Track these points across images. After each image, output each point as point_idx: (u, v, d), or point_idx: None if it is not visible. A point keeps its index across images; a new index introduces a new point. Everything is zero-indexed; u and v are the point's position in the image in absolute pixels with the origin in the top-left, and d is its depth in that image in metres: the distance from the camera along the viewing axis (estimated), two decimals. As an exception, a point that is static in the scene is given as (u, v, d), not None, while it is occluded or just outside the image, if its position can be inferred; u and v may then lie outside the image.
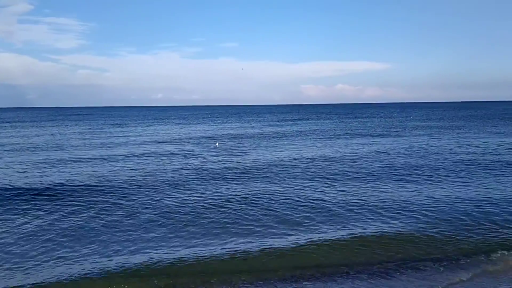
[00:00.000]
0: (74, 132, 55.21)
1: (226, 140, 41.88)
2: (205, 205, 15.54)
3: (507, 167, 22.67)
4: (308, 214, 14.29)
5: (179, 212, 14.75)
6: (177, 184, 19.25)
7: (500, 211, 14.34)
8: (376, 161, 25.51)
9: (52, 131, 57.72)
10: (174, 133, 52.32)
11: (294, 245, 11.40)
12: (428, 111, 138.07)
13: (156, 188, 18.33)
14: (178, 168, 23.62)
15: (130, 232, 12.68)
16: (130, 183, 19.38)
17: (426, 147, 32.50)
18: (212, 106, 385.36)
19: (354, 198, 16.32)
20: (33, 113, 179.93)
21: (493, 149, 30.18)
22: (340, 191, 17.58)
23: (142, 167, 24.04)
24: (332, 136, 44.90)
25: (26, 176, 21.35)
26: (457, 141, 36.62)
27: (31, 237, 12.31)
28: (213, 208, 15.08)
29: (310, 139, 42.36)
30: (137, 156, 29.05)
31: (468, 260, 10.60)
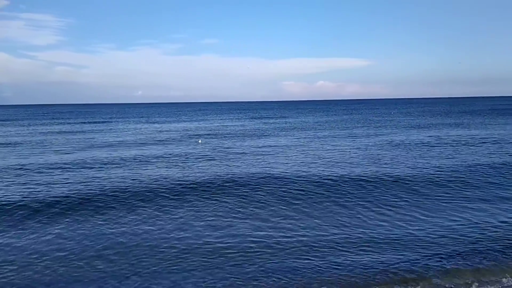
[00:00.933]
0: (52, 132, 54.15)
1: (208, 137, 41.75)
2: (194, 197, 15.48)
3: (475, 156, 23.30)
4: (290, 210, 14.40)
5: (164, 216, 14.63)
6: (164, 183, 19.09)
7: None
8: (359, 156, 25.88)
9: (28, 130, 56.49)
10: (156, 130, 51.82)
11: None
12: (409, 107, 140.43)
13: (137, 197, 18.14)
14: (163, 166, 23.43)
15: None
16: (110, 188, 19.13)
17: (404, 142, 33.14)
18: (194, 103, 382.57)
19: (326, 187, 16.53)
20: (8, 111, 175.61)
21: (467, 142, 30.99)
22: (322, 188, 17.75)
23: (123, 169, 23.74)
24: (314, 132, 45.23)
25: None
26: (437, 135, 37.45)
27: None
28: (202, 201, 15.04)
29: (291, 135, 42.58)
30: (119, 156, 28.68)
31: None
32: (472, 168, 21.17)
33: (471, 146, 30.19)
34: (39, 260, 10.59)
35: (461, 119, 63.59)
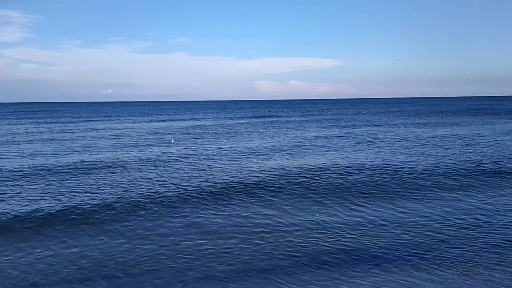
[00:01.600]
0: (17, 133, 52.58)
1: (181, 136, 41.59)
2: (169, 197, 15.52)
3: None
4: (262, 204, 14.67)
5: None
6: (140, 183, 19.01)
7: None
8: (330, 152, 26.46)
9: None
10: (127, 130, 51.14)
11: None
12: (377, 107, 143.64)
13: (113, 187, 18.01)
14: (138, 166, 23.27)
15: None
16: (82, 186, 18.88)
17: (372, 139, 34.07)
18: (164, 102, 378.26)
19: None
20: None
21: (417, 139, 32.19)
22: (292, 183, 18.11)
23: (97, 169, 23.46)
24: (285, 130, 45.73)
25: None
26: (404, 133, 38.66)
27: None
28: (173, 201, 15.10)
29: (263, 133, 42.91)
30: (91, 155, 28.27)
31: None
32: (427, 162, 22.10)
33: (435, 144, 31.37)
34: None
35: (428, 119, 65.76)
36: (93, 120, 76.50)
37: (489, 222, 13.06)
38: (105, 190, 17.25)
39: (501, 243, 11.33)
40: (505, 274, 9.53)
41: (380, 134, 40.30)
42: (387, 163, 23.06)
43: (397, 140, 35.08)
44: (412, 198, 15.98)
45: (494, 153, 26.40)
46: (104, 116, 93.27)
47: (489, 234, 12.01)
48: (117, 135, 43.28)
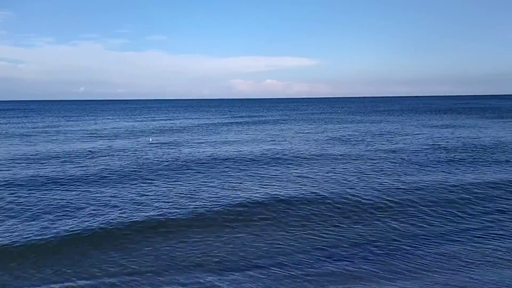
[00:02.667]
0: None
1: (159, 135, 41.26)
2: (147, 199, 15.45)
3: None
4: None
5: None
6: (118, 181, 18.83)
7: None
8: (307, 147, 26.83)
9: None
10: (103, 129, 50.35)
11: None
12: (352, 105, 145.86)
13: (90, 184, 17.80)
14: (116, 166, 23.01)
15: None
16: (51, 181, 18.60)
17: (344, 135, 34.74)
18: (140, 100, 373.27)
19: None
20: None
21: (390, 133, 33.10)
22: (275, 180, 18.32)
23: (69, 167, 23.09)
24: (263, 128, 45.99)
25: None
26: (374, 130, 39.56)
27: None
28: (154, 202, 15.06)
29: (240, 131, 43.04)
30: (64, 154, 27.76)
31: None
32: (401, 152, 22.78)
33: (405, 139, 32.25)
34: None
35: (399, 117, 67.31)
36: (65, 119, 74.88)
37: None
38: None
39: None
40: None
41: (349, 130, 41.05)
42: (348, 153, 23.60)
43: (362, 134, 35.88)
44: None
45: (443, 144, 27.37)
46: (77, 115, 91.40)
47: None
48: (91, 135, 42.58)
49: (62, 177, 19.73)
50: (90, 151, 28.79)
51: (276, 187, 17.36)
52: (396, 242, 11.39)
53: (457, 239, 11.63)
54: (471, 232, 12.17)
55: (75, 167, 22.54)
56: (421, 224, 12.82)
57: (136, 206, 14.72)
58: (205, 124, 58.53)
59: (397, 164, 22.45)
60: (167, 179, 19.09)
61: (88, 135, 41.39)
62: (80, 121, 67.27)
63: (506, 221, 13.10)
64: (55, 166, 22.76)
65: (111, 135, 41.61)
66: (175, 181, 18.77)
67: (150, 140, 35.39)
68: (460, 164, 22.38)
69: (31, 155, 27.19)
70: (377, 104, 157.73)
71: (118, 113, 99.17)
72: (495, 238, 11.67)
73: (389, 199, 15.34)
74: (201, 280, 9.34)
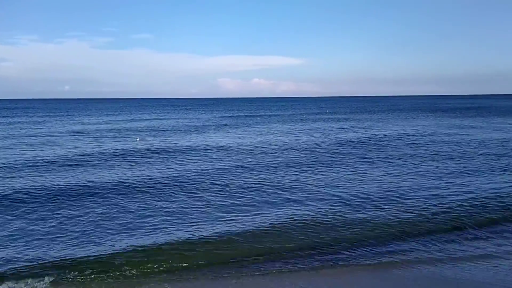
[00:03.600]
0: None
1: (146, 134, 40.88)
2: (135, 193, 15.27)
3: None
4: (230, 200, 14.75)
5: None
6: (110, 186, 18.58)
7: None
8: (296, 150, 26.87)
9: None
10: (89, 128, 49.70)
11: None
12: (339, 104, 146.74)
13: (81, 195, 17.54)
14: (106, 164, 22.73)
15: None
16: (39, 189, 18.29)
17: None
18: (126, 99, 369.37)
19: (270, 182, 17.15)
20: None
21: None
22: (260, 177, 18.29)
23: (58, 167, 22.74)
24: (250, 127, 45.95)
25: None
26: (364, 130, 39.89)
27: None
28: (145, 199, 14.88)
29: (228, 130, 42.93)
30: (50, 156, 27.33)
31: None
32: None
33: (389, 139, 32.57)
34: None
35: (385, 116, 67.99)
36: (50, 118, 73.77)
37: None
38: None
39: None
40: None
41: (332, 128, 41.32)
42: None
43: (344, 131, 36.19)
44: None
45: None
46: (63, 113, 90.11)
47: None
48: (77, 134, 42.01)
49: (56, 186, 19.39)
50: (77, 153, 28.37)
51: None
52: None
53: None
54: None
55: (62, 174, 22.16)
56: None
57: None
58: (193, 123, 58.19)
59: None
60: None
61: (73, 135, 40.82)
62: (64, 120, 66.30)
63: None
64: (49, 172, 22.37)
65: (97, 135, 41.08)
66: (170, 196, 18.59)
67: (138, 139, 35.04)
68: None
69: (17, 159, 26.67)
70: (364, 103, 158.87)
71: (104, 112, 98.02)
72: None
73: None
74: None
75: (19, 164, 22.96)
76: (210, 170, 21.07)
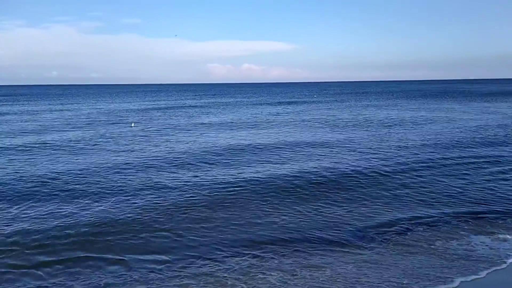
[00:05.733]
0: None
1: (140, 120, 40.44)
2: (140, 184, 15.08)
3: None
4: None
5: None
6: (108, 170, 18.32)
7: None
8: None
9: None
10: (82, 114, 49.01)
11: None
12: (329, 90, 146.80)
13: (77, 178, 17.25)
14: (106, 151, 22.41)
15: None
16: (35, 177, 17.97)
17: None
18: (115, 85, 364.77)
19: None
20: None
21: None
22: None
23: (52, 154, 22.38)
24: (241, 113, 45.76)
25: None
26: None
27: None
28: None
29: (221, 114, 42.70)
30: (44, 142, 26.91)
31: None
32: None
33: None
34: None
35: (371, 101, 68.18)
36: (37, 103, 72.62)
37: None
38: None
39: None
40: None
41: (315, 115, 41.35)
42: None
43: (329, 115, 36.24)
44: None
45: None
46: (53, 99, 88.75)
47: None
48: (69, 120, 41.41)
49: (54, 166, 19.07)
50: (70, 139, 27.95)
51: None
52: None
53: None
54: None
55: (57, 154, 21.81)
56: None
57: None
58: (185, 108, 57.68)
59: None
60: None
61: (65, 122, 40.22)
62: (54, 106, 65.30)
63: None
64: (45, 155, 22.00)
65: (89, 121, 40.54)
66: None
67: (133, 125, 34.63)
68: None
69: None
70: (353, 88, 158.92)
71: (95, 98, 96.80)
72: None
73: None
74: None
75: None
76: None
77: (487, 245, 10.01)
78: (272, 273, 8.64)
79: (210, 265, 9.07)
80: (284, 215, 12.09)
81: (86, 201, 13.35)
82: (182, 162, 19.14)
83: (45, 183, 15.45)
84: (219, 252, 9.70)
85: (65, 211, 12.42)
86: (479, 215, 12.02)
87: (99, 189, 14.67)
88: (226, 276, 8.52)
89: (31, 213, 12.27)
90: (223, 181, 15.55)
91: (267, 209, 12.62)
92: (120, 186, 15.12)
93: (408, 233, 10.81)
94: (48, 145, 24.48)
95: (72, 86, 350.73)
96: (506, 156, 20.01)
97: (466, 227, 11.13)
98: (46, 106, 65.58)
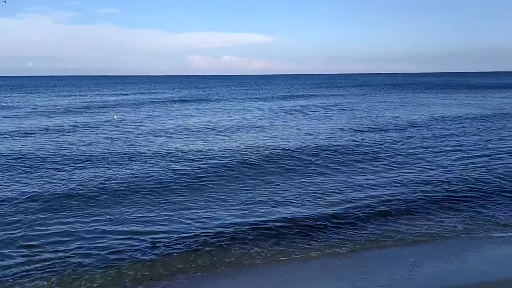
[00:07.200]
0: None
1: (122, 111, 40.46)
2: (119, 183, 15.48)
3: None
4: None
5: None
6: (85, 164, 18.61)
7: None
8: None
9: None
10: (61, 106, 48.53)
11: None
12: (310, 82, 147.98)
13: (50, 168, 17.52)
14: (85, 145, 22.61)
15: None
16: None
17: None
18: (93, 76, 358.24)
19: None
20: None
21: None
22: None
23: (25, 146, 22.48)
24: (222, 105, 46.21)
25: None
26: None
27: None
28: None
29: (201, 108, 43.05)
30: (20, 132, 26.87)
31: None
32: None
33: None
34: None
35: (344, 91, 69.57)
36: (14, 95, 71.27)
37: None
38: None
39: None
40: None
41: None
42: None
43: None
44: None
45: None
46: (29, 91, 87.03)
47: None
48: (50, 112, 41.08)
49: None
50: (47, 128, 27.93)
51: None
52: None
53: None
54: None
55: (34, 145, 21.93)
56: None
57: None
58: (166, 101, 57.67)
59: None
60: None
61: (43, 112, 39.90)
62: (30, 97, 64.26)
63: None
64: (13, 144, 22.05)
65: (68, 111, 40.37)
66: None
67: (115, 117, 34.68)
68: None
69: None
70: (332, 80, 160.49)
71: (73, 89, 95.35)
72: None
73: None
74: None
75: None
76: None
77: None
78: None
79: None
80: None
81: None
82: (164, 153, 19.59)
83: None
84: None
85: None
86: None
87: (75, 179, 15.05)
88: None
89: None
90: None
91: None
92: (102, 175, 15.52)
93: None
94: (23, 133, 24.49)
95: (49, 77, 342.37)
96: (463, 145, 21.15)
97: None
98: (21, 98, 64.47)
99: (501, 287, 7.89)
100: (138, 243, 9.68)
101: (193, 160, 18.01)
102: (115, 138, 23.65)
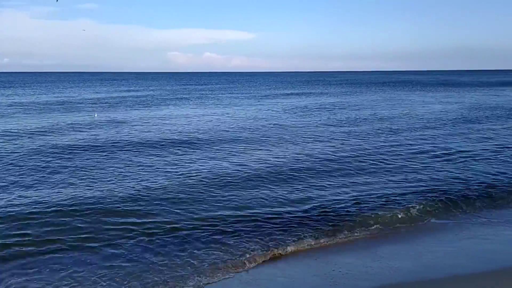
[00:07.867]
0: None
1: (102, 110, 40.14)
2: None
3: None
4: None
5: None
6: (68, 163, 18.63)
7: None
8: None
9: None
10: (38, 103, 47.80)
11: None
12: (289, 79, 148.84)
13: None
14: (69, 146, 22.52)
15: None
16: None
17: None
18: (71, 73, 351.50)
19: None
20: None
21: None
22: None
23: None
24: (204, 102, 46.36)
25: None
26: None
27: None
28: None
29: (184, 104, 43.10)
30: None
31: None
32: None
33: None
34: None
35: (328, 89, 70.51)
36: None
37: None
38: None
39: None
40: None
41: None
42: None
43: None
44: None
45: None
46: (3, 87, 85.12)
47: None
48: (23, 106, 40.49)
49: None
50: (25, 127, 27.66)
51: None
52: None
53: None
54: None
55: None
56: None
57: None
58: (147, 98, 57.37)
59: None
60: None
61: (17, 107, 39.30)
62: (6, 93, 62.99)
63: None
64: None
65: (46, 109, 39.89)
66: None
67: (96, 115, 34.43)
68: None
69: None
70: (312, 77, 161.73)
71: (51, 86, 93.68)
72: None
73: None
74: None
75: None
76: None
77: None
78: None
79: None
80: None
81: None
82: (150, 151, 19.76)
83: None
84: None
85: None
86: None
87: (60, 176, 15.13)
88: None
89: None
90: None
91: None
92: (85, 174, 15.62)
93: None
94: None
95: (25, 73, 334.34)
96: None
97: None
98: None
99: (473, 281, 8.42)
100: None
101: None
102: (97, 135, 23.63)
